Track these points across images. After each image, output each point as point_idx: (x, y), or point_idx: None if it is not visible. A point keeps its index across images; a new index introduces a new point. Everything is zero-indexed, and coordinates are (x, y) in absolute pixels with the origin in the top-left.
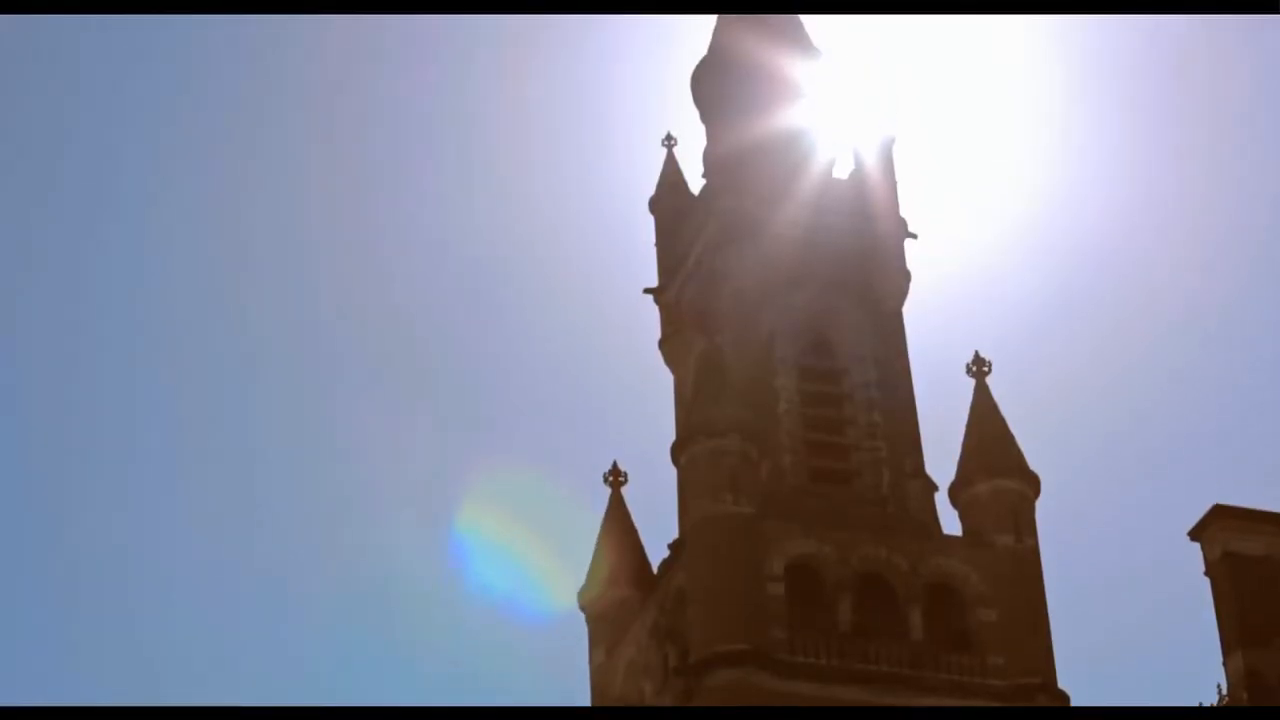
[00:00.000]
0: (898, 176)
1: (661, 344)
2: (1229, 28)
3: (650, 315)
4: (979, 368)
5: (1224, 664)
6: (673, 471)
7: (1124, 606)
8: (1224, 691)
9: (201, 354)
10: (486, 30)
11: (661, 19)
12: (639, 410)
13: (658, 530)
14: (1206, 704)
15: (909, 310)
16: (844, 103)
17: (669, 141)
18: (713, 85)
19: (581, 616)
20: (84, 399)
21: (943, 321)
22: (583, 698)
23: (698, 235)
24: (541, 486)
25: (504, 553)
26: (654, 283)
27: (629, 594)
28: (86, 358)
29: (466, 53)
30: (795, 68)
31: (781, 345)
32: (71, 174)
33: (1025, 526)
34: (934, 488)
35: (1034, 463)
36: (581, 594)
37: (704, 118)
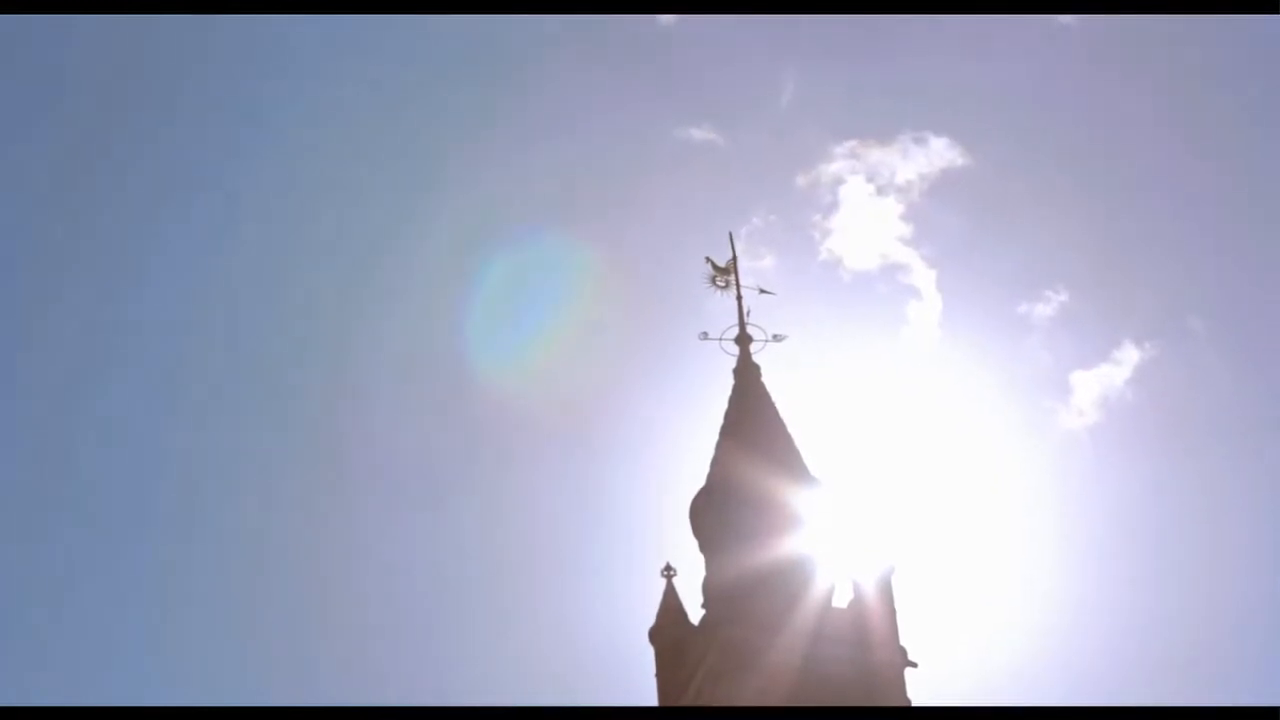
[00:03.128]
0: (897, 604)
1: None
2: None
3: None
4: None
5: None
6: None
7: None
8: None
9: None
10: (477, 487)
11: (660, 443)
12: None
13: None
14: None
15: None
16: (843, 531)
17: (668, 572)
18: (711, 515)
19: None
20: None
21: None
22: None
23: (698, 665)
24: None
25: None
26: None
27: None
28: None
29: (455, 490)
30: (794, 496)
31: None
32: None
33: None
34: None
35: None
36: None
37: (703, 548)
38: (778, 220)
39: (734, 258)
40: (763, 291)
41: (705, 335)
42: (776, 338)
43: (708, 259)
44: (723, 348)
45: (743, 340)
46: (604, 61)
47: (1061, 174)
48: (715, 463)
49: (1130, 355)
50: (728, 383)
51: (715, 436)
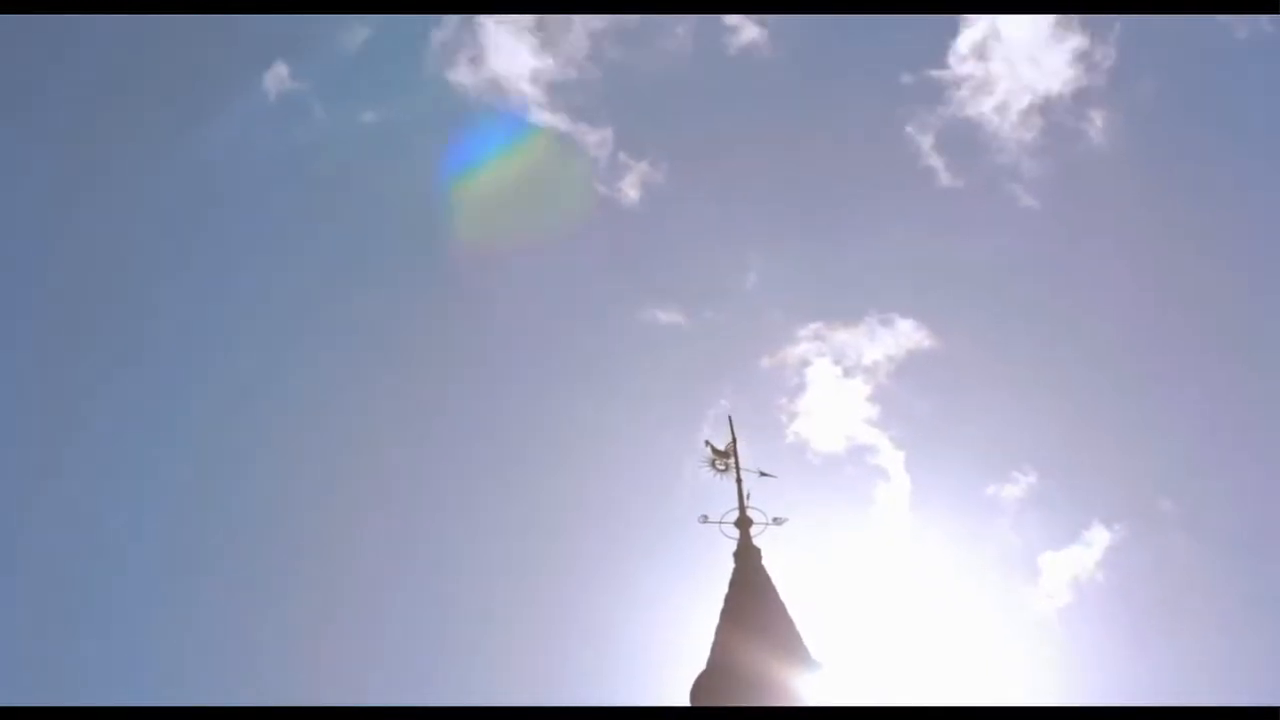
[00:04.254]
0: None
1: None
2: None
3: None
4: None
5: None
6: None
7: None
8: None
9: None
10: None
11: (659, 626)
12: None
13: None
14: None
15: None
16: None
17: None
18: (713, 698)
19: None
20: None
21: None
22: None
23: None
24: None
25: None
26: None
27: None
28: None
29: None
30: (795, 680)
31: None
32: None
33: None
34: None
35: None
36: None
37: None
38: (744, 403)
39: (733, 440)
40: (763, 474)
41: (705, 518)
42: (777, 520)
43: (707, 442)
44: (723, 530)
45: (743, 523)
46: (566, 241)
47: (1029, 354)
48: (716, 646)
49: (1100, 537)
50: (725, 564)
51: (715, 619)
